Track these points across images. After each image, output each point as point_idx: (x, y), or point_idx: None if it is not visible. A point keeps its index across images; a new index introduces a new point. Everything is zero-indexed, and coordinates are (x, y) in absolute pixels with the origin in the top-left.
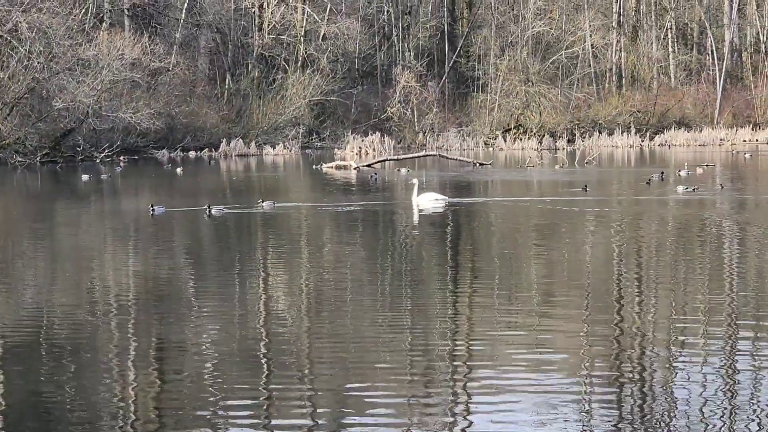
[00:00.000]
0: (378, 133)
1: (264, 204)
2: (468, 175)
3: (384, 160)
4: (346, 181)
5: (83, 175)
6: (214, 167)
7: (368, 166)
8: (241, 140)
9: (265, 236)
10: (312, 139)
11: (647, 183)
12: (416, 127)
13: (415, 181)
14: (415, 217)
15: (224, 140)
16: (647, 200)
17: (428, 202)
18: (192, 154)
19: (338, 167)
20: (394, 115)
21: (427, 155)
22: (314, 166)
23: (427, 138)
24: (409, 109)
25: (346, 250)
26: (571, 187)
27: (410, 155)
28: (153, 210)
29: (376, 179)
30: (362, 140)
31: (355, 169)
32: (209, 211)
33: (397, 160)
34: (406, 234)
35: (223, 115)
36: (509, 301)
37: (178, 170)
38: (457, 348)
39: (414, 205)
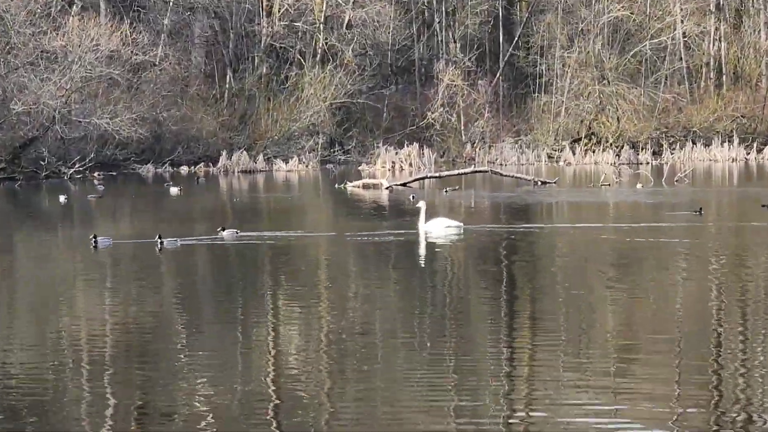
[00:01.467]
0: (416, 145)
1: (224, 233)
2: (527, 196)
3: (423, 178)
4: (374, 203)
5: (60, 196)
6: (208, 186)
7: (404, 185)
8: (245, 152)
9: (223, 273)
10: (334, 152)
11: (765, 206)
12: (463, 137)
13: (422, 204)
14: (422, 249)
15: (224, 153)
16: (756, 228)
17: (439, 229)
18: (184, 169)
19: (366, 186)
20: (436, 122)
21: (476, 171)
22: (337, 186)
23: (477, 150)
24: (454, 114)
25: (361, 291)
26: (675, 209)
27: (456, 171)
28: (95, 242)
29: (415, 199)
30: (396, 153)
31: (387, 188)
32: (161, 244)
33: (440, 177)
34: (445, 271)
35: (223, 122)
36: (578, 357)
37: (174, 190)
38: (514, 417)
39: (421, 234)
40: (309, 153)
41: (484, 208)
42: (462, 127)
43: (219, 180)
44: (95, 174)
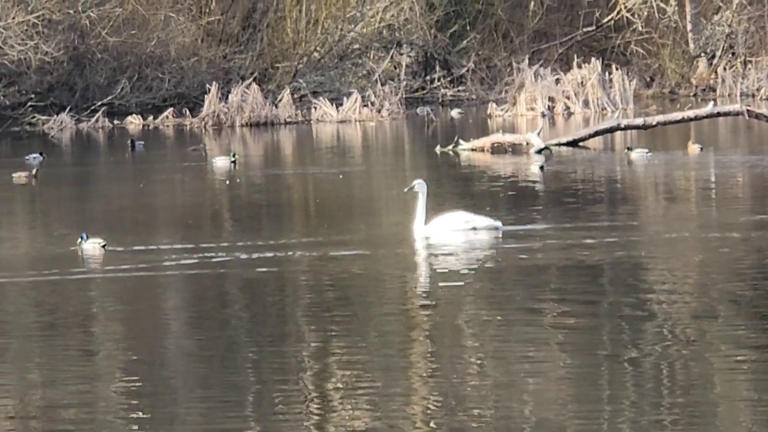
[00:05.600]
0: (596, 62)
1: (85, 245)
2: None
3: (612, 130)
4: (512, 185)
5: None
6: (164, 151)
7: (574, 143)
8: (255, 87)
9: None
10: (431, 81)
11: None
12: (692, 46)
13: (420, 185)
14: (421, 274)
15: (213, 87)
16: None
17: (448, 232)
18: (134, 120)
19: (497, 148)
20: (636, 18)
21: (719, 114)
22: (438, 148)
23: (721, 71)
24: (672, 2)
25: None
26: None
27: (678, 116)
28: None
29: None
30: (557, 81)
31: (540, 151)
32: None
33: (645, 127)
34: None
35: (211, 29)
36: None
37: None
38: None
39: (417, 237)
40: (382, 85)
41: (730, 188)
42: (687, 26)
43: (204, 141)
44: None
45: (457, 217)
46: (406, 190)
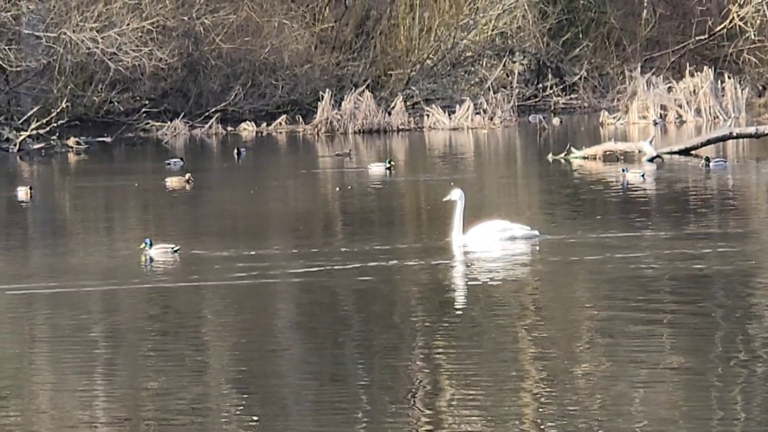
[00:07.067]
0: (708, 71)
1: (152, 251)
2: None
3: (724, 138)
4: (624, 194)
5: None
6: (262, 159)
7: (686, 152)
8: (368, 93)
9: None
10: (544, 89)
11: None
12: None
13: (458, 194)
14: (458, 283)
15: (327, 94)
16: None
17: (489, 240)
18: (247, 127)
19: (609, 157)
20: (749, 26)
21: None
22: (551, 156)
23: None
24: None
25: None
26: None
27: None
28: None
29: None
30: (669, 89)
31: (653, 160)
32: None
33: (758, 136)
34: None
35: (324, 36)
36: None
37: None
38: None
39: (455, 246)
40: (494, 93)
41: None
42: None
43: (315, 147)
44: (71, 140)
45: (495, 225)
46: (444, 199)
